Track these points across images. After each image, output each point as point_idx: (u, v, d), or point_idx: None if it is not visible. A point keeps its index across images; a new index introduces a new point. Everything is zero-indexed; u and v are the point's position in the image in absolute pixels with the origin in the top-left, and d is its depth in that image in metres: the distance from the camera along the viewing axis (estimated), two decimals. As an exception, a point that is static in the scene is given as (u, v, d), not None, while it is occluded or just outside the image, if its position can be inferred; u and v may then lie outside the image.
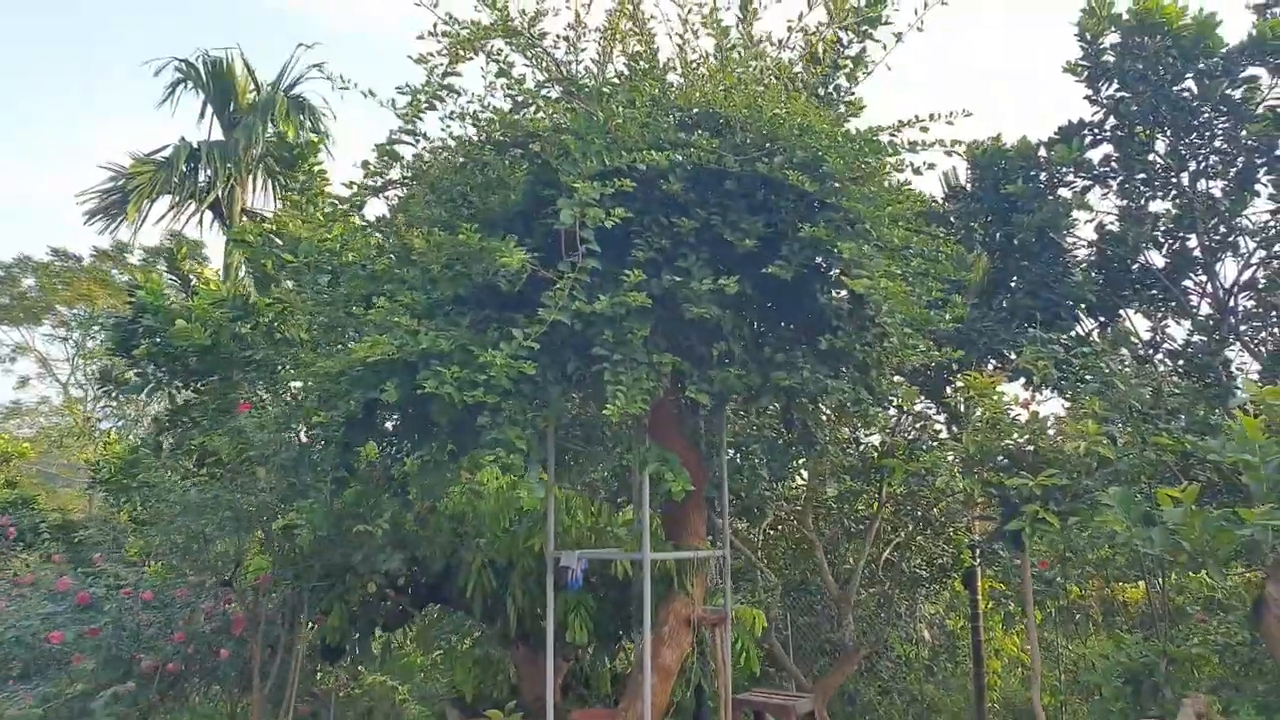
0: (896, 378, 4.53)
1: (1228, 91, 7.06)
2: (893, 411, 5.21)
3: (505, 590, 5.59)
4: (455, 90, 4.40)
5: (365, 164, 4.72)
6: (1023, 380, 5.88)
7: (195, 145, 11.98)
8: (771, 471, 6.54)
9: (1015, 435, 4.50)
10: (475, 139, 4.57)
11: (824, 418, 5.80)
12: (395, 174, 4.78)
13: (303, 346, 6.71)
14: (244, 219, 12.59)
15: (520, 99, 4.77)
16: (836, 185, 4.03)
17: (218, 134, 12.85)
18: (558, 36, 4.84)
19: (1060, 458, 4.45)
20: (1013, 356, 6.76)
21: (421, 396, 3.94)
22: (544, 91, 4.74)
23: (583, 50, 4.82)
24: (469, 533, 5.74)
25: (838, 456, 6.65)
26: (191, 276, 8.90)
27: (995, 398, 4.62)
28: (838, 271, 4.11)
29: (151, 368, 7.80)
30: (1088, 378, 4.81)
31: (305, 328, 4.89)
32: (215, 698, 5.57)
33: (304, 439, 4.78)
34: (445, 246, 3.98)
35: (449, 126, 4.72)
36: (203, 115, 13.27)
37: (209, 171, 12.22)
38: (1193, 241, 8.29)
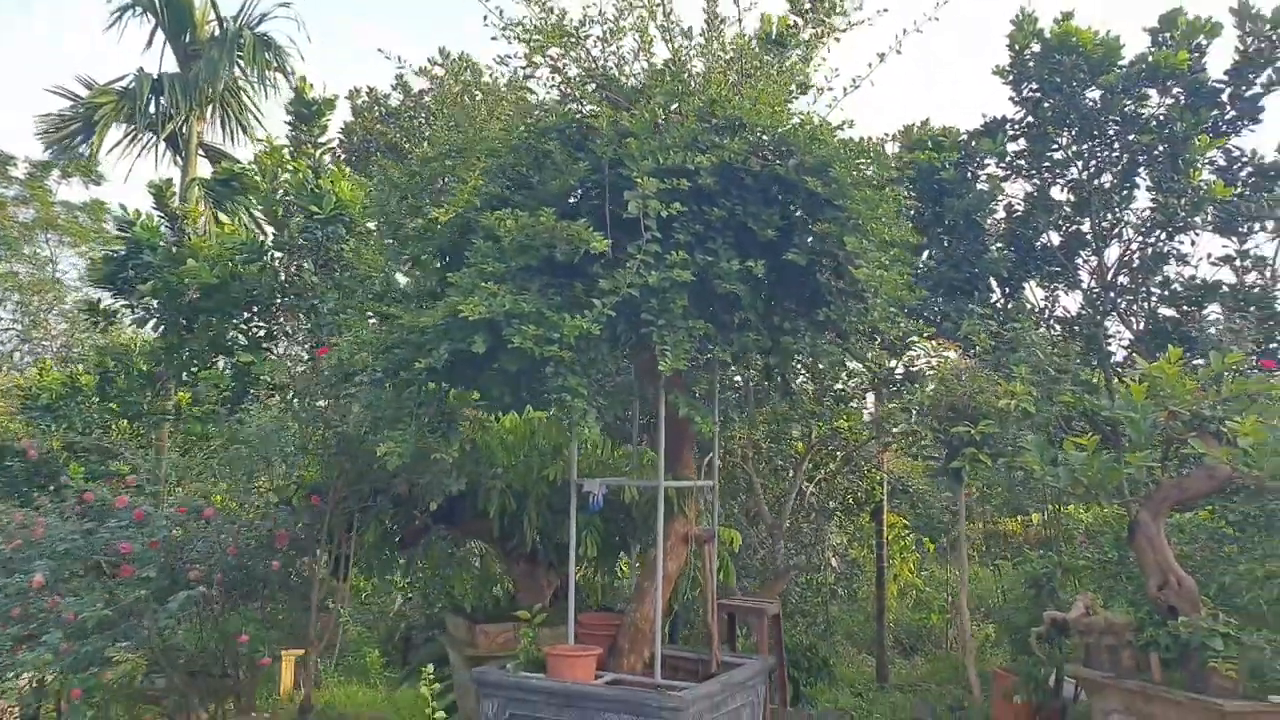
0: (876, 341, 5.61)
1: (1126, 105, 8.38)
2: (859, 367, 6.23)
3: (522, 512, 6.51)
4: (530, 89, 5.18)
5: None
6: (962, 347, 7.09)
7: (156, 77, 12.08)
8: (740, 418, 7.60)
9: (960, 392, 5.66)
10: (535, 126, 5.37)
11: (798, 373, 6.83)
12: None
13: (335, 291, 7.36)
14: (200, 154, 12.79)
15: (569, 93, 5.60)
16: (842, 187, 5.01)
17: (171, 65, 12.93)
18: (595, 38, 5.65)
19: (993, 411, 5.64)
20: (943, 323, 8.00)
21: (493, 350, 4.81)
22: (587, 87, 5.56)
23: (615, 50, 5.65)
24: (485, 463, 6.57)
25: (806, 404, 7.74)
26: (178, 215, 9.26)
27: (943, 362, 5.76)
28: (840, 259, 5.10)
29: (155, 304, 8.27)
30: (1015, 349, 6.00)
31: (368, 277, 5.57)
32: (265, 604, 6.32)
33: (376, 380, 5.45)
34: (526, 226, 4.79)
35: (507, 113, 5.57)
36: (150, 44, 13.30)
37: (163, 103, 12.33)
38: (1086, 226, 9.73)
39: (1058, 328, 9.66)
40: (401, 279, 7.97)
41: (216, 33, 12.49)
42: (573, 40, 5.50)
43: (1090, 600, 5.18)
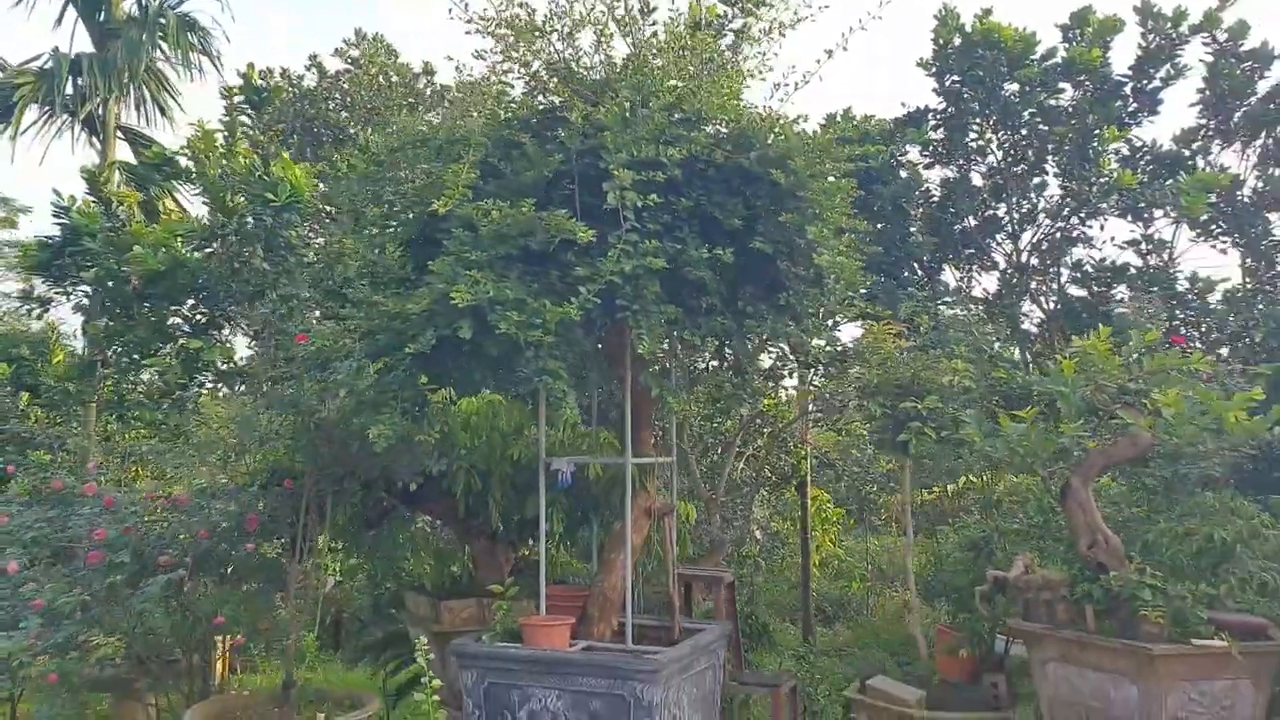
0: (830, 323, 5.98)
1: (1042, 97, 8.96)
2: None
3: (487, 492, 6.70)
4: (508, 85, 5.35)
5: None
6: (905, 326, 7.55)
7: (74, 57, 11.69)
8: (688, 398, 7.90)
9: (906, 371, 6.08)
10: (510, 118, 5.54)
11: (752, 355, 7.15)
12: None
13: (286, 277, 7.38)
14: (119, 136, 12.44)
15: (534, 86, 5.78)
16: (800, 179, 5.33)
17: (83, 44, 12.51)
18: (558, 33, 5.84)
19: (937, 387, 6.07)
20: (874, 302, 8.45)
21: (474, 335, 5.00)
22: (552, 80, 5.75)
23: (576, 44, 5.85)
24: (448, 445, 6.73)
25: (755, 383, 8.09)
26: (112, 200, 9.08)
27: (889, 343, 6.17)
28: (801, 246, 5.42)
29: (98, 292, 8.15)
30: (952, 331, 6.46)
31: (355, 268, 5.67)
32: (238, 586, 6.38)
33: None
34: (509, 216, 4.98)
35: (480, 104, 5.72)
36: (60, 21, 12.83)
37: (80, 84, 11.95)
38: (1002, 211, 10.35)
39: (975, 308, 10.28)
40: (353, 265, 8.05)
41: (135, 11, 12.13)
42: (538, 34, 5.69)
43: (1029, 560, 5.66)
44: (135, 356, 8.47)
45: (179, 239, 7.76)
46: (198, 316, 8.47)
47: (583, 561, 7.71)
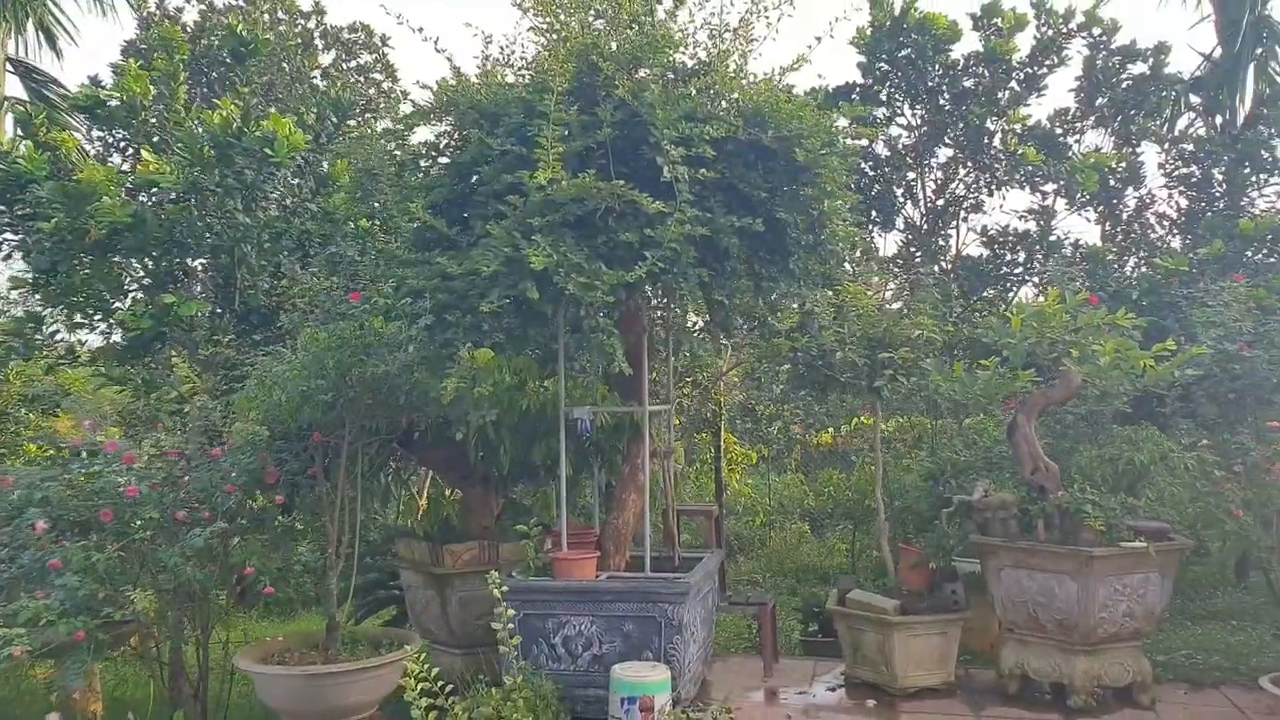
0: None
1: (963, 82, 10.04)
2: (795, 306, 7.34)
3: (500, 441, 7.14)
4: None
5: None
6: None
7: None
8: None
9: (883, 325, 6.97)
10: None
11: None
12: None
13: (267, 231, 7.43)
14: (9, 70, 11.67)
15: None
16: (816, 156, 6.03)
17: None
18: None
19: (907, 339, 7.00)
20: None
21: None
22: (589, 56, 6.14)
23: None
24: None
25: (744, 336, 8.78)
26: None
27: (866, 300, 7.03)
28: (816, 217, 6.13)
29: (50, 244, 7.92)
30: (920, 291, 7.38)
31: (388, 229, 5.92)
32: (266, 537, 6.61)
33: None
34: (570, 187, 5.43)
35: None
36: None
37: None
38: (911, 177, 11.48)
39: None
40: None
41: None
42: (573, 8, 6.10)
43: (987, 485, 6.70)
44: (90, 311, 8.29)
45: (153, 189, 7.63)
46: (175, 270, 8.36)
47: (574, 505, 8.22)
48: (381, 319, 5.80)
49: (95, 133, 10.64)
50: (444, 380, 5.50)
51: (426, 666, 4.95)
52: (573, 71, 5.75)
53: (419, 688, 4.80)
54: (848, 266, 6.34)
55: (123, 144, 10.26)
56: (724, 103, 6.12)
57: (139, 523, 5.86)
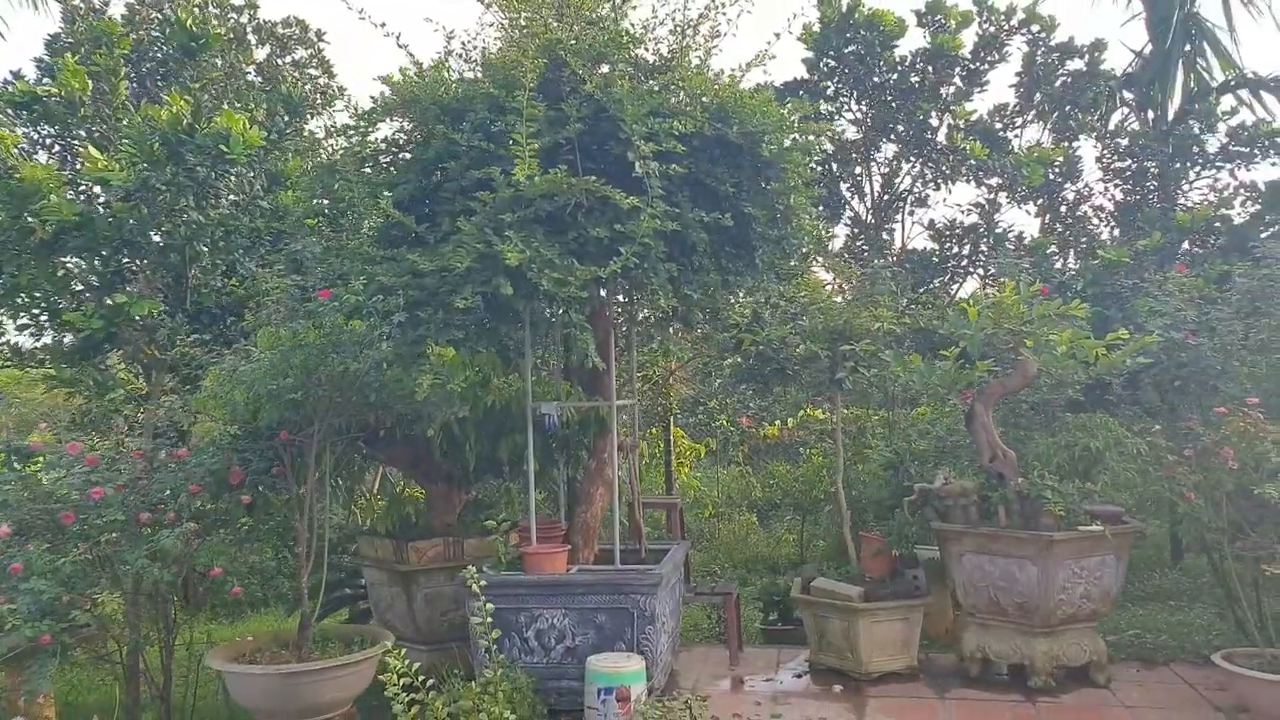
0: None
1: (911, 78, 10.25)
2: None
3: (464, 437, 7.12)
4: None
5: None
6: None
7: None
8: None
9: (844, 317, 7.10)
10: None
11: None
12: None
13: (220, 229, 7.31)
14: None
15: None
16: (781, 151, 6.12)
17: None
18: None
19: (866, 331, 7.14)
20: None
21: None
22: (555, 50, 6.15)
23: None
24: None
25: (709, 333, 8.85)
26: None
27: (827, 295, 7.15)
28: (782, 212, 6.23)
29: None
30: (879, 284, 7.54)
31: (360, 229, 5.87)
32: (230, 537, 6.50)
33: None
34: (542, 183, 5.44)
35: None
36: None
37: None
38: (857, 171, 11.68)
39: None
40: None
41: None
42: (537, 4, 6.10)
43: (948, 473, 6.88)
44: (37, 312, 8.06)
45: (101, 189, 7.44)
46: (123, 270, 8.16)
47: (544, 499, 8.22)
48: (346, 316, 5.72)
49: (19, 129, 10.30)
50: (418, 377, 5.46)
51: (408, 662, 4.94)
52: (541, 67, 5.74)
53: (400, 683, 4.78)
54: (811, 260, 6.44)
55: (47, 140, 9.98)
56: (688, 98, 6.19)
57: (100, 524, 5.75)
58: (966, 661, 6.85)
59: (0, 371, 8.99)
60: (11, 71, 12.54)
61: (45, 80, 10.03)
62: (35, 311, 8.10)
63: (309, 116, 11.44)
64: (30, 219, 7.53)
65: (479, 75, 6.16)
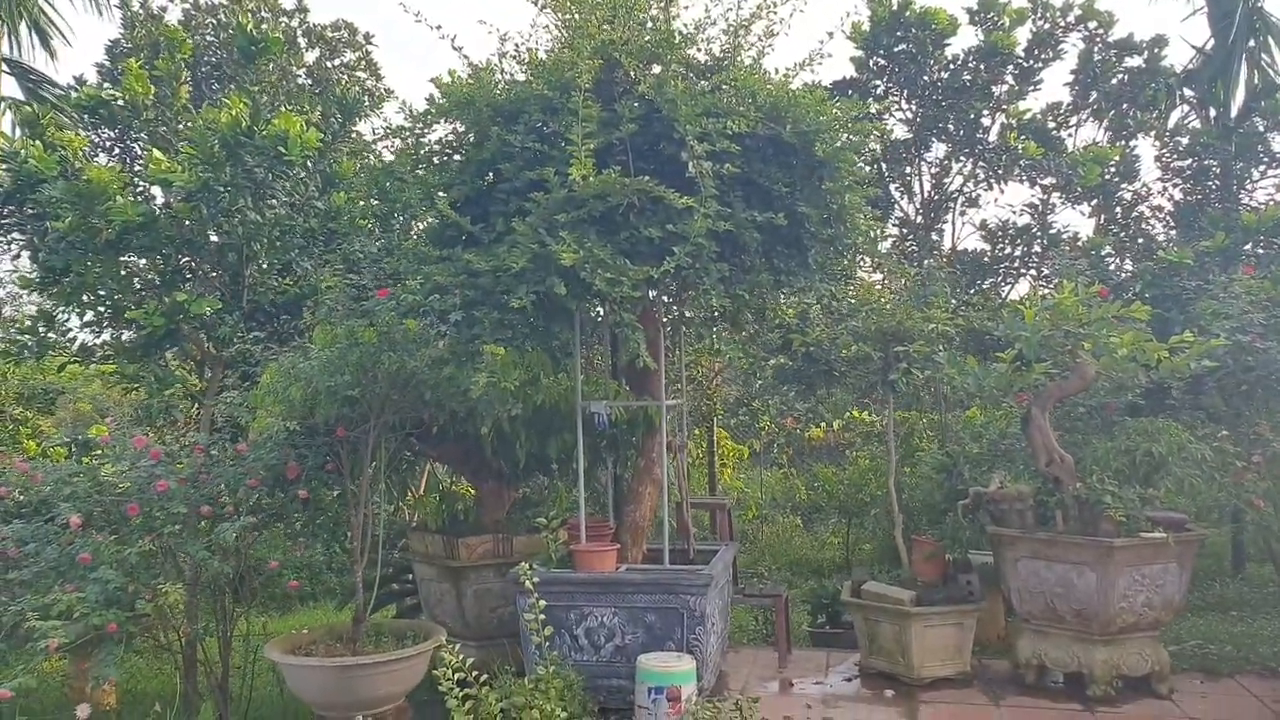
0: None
1: (963, 76, 10.12)
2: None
3: (515, 435, 7.15)
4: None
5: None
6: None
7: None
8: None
9: (896, 318, 7.02)
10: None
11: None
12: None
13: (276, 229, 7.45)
14: (5, 71, 11.58)
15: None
16: (834, 151, 6.07)
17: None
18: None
19: (920, 333, 7.05)
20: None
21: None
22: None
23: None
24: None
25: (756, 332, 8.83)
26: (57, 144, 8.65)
27: (879, 295, 7.07)
28: (835, 211, 6.18)
29: (65, 244, 7.87)
30: (934, 285, 7.46)
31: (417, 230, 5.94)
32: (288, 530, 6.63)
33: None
34: (596, 184, 5.45)
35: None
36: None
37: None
38: (908, 170, 11.56)
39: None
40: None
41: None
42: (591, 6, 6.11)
43: (1003, 476, 6.78)
44: (101, 310, 8.26)
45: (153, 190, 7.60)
46: (183, 269, 8.34)
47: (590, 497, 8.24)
48: (403, 315, 5.79)
49: (81, 132, 10.57)
50: (473, 375, 5.51)
51: (461, 657, 4.98)
52: (597, 68, 5.76)
53: (455, 677, 4.82)
54: (867, 260, 6.38)
55: (108, 144, 10.22)
56: (740, 97, 6.16)
57: (161, 516, 5.88)
58: (1022, 668, 6.74)
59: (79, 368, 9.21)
60: (74, 77, 12.95)
61: (107, 84, 10.29)
62: (100, 309, 8.29)
63: (358, 119, 11.60)
64: (96, 220, 7.71)
65: (530, 77, 6.19)
